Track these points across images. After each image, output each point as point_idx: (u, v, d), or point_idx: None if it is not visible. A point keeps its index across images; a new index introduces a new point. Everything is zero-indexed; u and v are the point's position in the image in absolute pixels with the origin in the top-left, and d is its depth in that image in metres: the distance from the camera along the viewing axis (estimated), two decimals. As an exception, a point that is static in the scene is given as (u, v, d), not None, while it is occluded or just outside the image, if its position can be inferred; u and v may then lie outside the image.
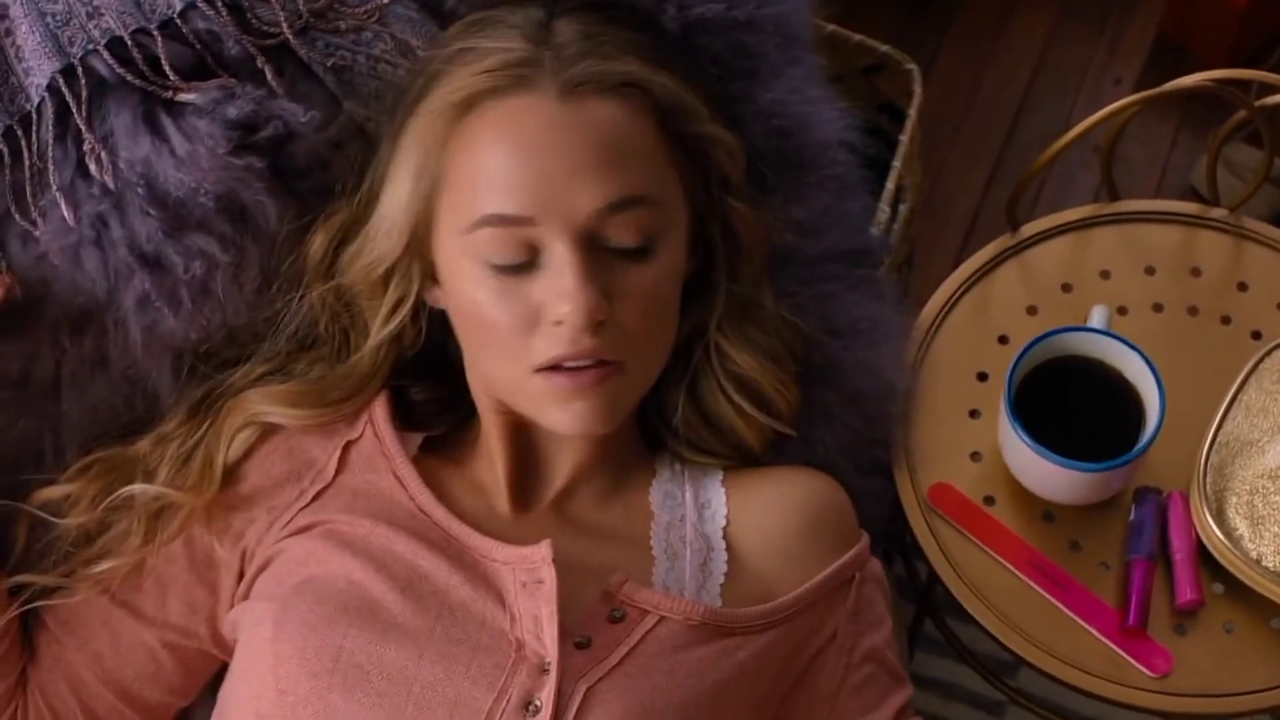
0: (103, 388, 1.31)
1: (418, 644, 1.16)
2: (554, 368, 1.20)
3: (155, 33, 1.28)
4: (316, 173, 1.29)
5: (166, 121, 1.25)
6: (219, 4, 1.29)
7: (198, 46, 1.29)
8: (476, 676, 1.15)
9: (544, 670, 1.15)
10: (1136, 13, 2.54)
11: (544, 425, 1.25)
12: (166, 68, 1.27)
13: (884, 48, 1.95)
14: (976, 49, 2.52)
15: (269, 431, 1.29)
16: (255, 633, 1.21)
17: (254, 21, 1.30)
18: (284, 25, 1.30)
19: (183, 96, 1.26)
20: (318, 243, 1.28)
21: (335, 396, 1.29)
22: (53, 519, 1.28)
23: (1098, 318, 1.48)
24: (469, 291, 1.21)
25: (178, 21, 1.28)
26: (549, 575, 1.18)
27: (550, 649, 1.16)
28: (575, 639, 1.17)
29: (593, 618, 1.19)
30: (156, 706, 1.32)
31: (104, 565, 1.27)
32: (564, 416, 1.22)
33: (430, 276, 1.26)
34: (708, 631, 1.21)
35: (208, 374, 1.32)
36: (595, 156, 1.18)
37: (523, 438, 1.29)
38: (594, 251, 1.19)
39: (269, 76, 1.29)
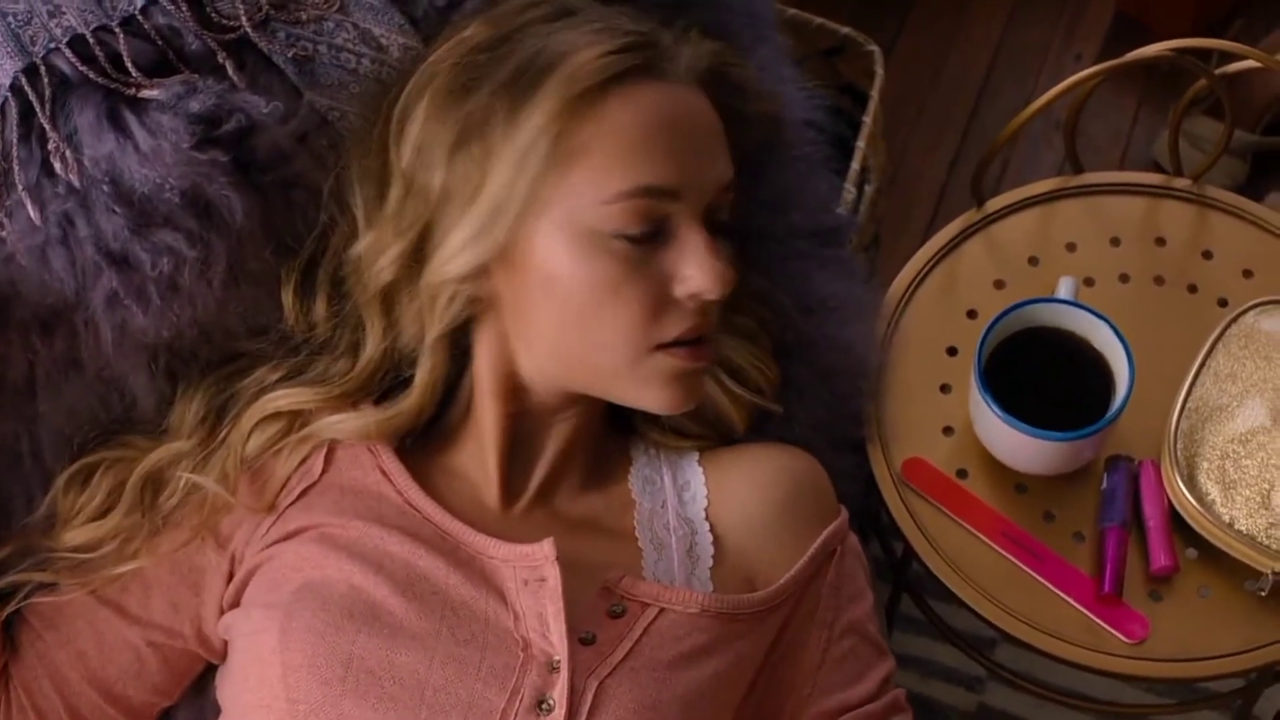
0: (78, 388, 1.30)
1: (427, 647, 1.15)
2: (674, 344, 1.22)
3: (117, 30, 1.27)
4: (279, 166, 1.28)
5: (130, 118, 1.24)
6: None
7: (159, 42, 1.28)
8: (488, 677, 1.14)
9: (553, 668, 1.15)
10: (1095, -10, 2.56)
11: (639, 406, 1.26)
12: (129, 64, 1.26)
13: (845, 30, 1.96)
14: (938, 30, 2.53)
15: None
16: (258, 641, 1.20)
17: (214, 16, 1.29)
18: (243, 18, 1.30)
19: (146, 93, 1.25)
20: (393, 250, 1.24)
21: (351, 394, 1.29)
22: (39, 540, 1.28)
23: (1065, 289, 1.49)
24: (596, 264, 1.20)
25: (139, 18, 1.28)
26: (552, 573, 1.18)
27: (559, 646, 1.15)
28: (580, 635, 1.17)
29: (593, 613, 1.19)
30: (140, 706, 1.31)
31: (119, 569, 1.27)
32: (669, 394, 1.24)
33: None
34: (706, 620, 1.21)
35: (195, 377, 1.31)
36: (718, 140, 1.25)
37: (518, 428, 1.28)
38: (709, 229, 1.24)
39: (230, 71, 1.28)
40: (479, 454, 1.29)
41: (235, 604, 1.26)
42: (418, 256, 1.24)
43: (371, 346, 1.28)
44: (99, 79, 1.26)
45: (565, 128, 1.19)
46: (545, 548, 1.19)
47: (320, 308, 1.30)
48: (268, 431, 1.28)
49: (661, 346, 1.22)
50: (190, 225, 1.25)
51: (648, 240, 1.20)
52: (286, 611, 1.19)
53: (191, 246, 1.25)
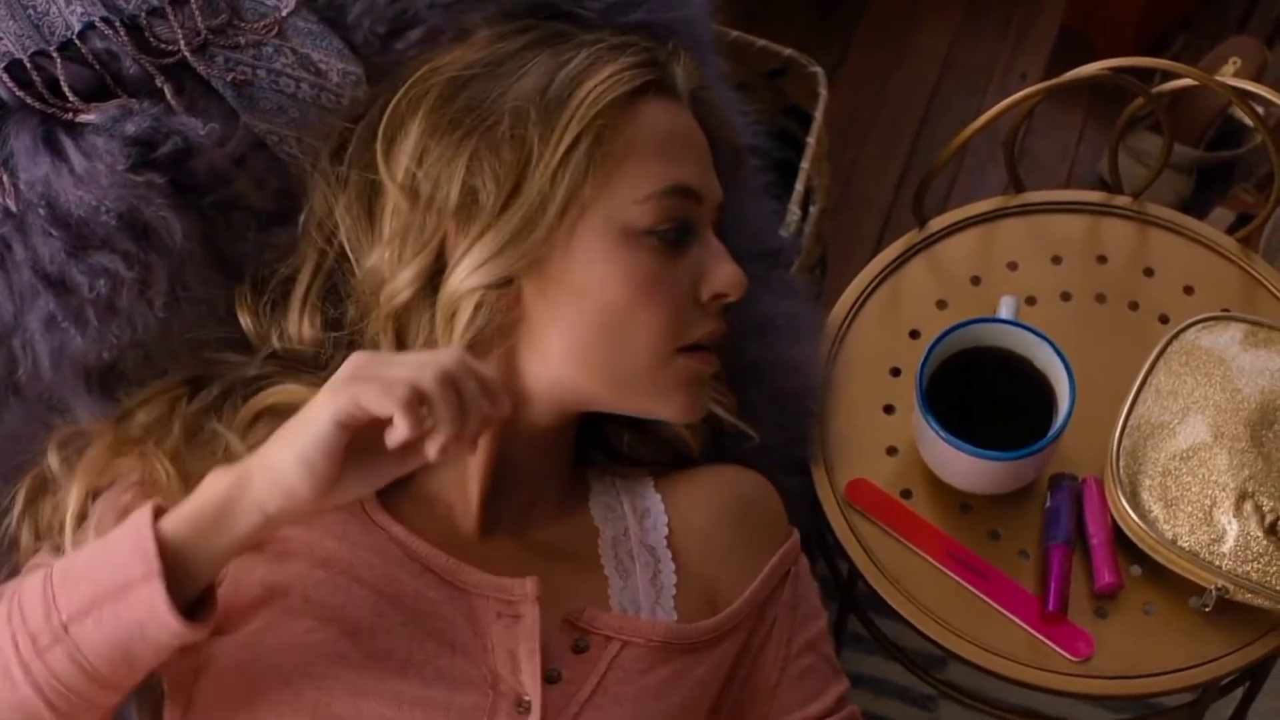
0: (18, 413, 1.29)
1: (395, 689, 1.13)
2: (695, 347, 1.24)
3: (55, 54, 1.27)
4: (218, 188, 1.28)
5: (66, 141, 1.24)
6: (117, 24, 1.28)
7: (97, 67, 1.28)
8: (456, 719, 1.13)
9: (521, 707, 1.14)
10: (1040, 8, 2.57)
11: (653, 415, 1.27)
12: (66, 89, 1.26)
13: (788, 51, 1.96)
14: (884, 50, 2.53)
15: None
16: (225, 683, 1.15)
17: (152, 40, 1.29)
18: (182, 43, 1.30)
19: (83, 117, 1.25)
20: (412, 268, 1.22)
21: None
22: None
23: (1006, 308, 1.50)
24: (633, 261, 1.22)
25: (77, 42, 1.27)
26: (531, 613, 1.17)
27: (531, 687, 1.15)
28: (546, 672, 1.16)
29: (558, 648, 1.18)
30: None
31: None
32: (687, 401, 1.26)
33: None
34: (670, 650, 1.21)
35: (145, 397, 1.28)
36: (710, 158, 1.31)
37: (505, 452, 1.26)
38: None
39: (168, 95, 1.28)
40: (459, 477, 1.26)
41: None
42: (435, 271, 1.23)
43: None
44: (36, 104, 1.25)
45: (603, 132, 1.21)
46: (528, 586, 1.18)
47: (306, 329, 1.28)
48: (269, 429, 1.21)
49: (682, 350, 1.24)
50: (128, 247, 1.25)
51: (675, 241, 1.24)
52: (252, 653, 1.15)
53: (129, 268, 1.25)
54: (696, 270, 1.25)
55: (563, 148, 1.20)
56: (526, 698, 1.14)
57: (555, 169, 1.20)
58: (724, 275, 1.25)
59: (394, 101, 1.26)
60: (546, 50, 1.26)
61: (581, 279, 1.21)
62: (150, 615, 1.05)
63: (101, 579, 1.06)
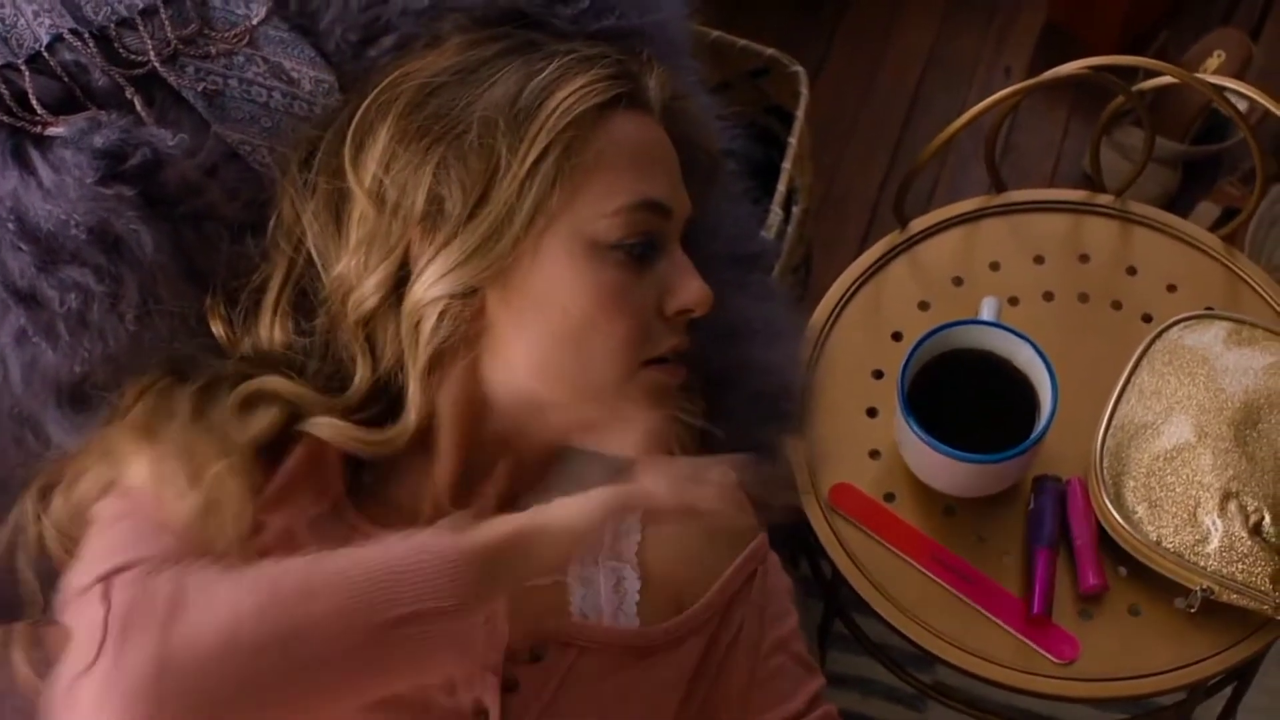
0: (-11, 429, 1.28)
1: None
2: (660, 360, 1.23)
3: (23, 67, 1.26)
4: (190, 198, 1.27)
5: (34, 154, 1.22)
6: (85, 36, 1.27)
7: (65, 79, 1.26)
8: None
9: (479, 717, 1.14)
10: (1024, 2, 2.56)
11: (611, 445, 1.24)
12: (34, 102, 1.24)
13: (769, 51, 1.95)
14: (867, 46, 2.52)
15: None
16: None
17: (121, 51, 1.28)
18: (151, 54, 1.28)
19: (51, 130, 1.24)
20: (377, 274, 1.22)
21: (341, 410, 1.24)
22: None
23: (987, 310, 1.49)
24: (600, 274, 1.20)
25: (45, 55, 1.26)
26: (499, 628, 1.16)
27: (489, 697, 1.14)
28: (504, 680, 1.15)
29: (514, 655, 1.17)
30: None
31: None
32: (648, 423, 1.23)
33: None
34: (629, 654, 1.20)
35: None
36: (679, 171, 1.29)
37: (471, 461, 1.25)
38: None
39: (138, 106, 1.27)
40: (424, 486, 1.25)
41: None
42: (400, 278, 1.22)
43: (360, 380, 1.23)
44: (4, 117, 1.24)
45: (572, 144, 1.20)
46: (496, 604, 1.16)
47: (278, 336, 1.26)
48: (266, 415, 1.21)
49: (651, 362, 1.23)
50: (98, 260, 1.23)
51: (641, 256, 1.22)
52: None
53: (100, 281, 1.24)
54: (662, 285, 1.24)
55: (531, 158, 1.19)
56: (484, 707, 1.14)
57: (523, 179, 1.19)
58: (689, 291, 1.24)
59: (363, 107, 1.25)
60: (517, 59, 1.24)
61: (546, 290, 1.20)
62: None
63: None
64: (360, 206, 1.22)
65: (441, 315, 1.20)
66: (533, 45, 1.27)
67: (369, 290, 1.22)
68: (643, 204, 1.22)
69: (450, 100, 1.22)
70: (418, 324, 1.21)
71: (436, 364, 1.23)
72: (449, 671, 1.11)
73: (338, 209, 1.24)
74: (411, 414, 1.22)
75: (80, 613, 1.05)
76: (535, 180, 1.19)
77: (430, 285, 1.20)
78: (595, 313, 1.20)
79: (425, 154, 1.21)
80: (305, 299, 1.28)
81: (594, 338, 1.21)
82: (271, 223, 1.29)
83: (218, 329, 1.28)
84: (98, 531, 1.14)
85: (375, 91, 1.25)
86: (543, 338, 1.21)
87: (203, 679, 1.00)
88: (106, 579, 1.05)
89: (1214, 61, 2.30)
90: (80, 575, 1.09)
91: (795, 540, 1.53)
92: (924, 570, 1.43)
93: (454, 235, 1.20)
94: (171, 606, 1.02)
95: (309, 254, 1.26)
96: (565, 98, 1.21)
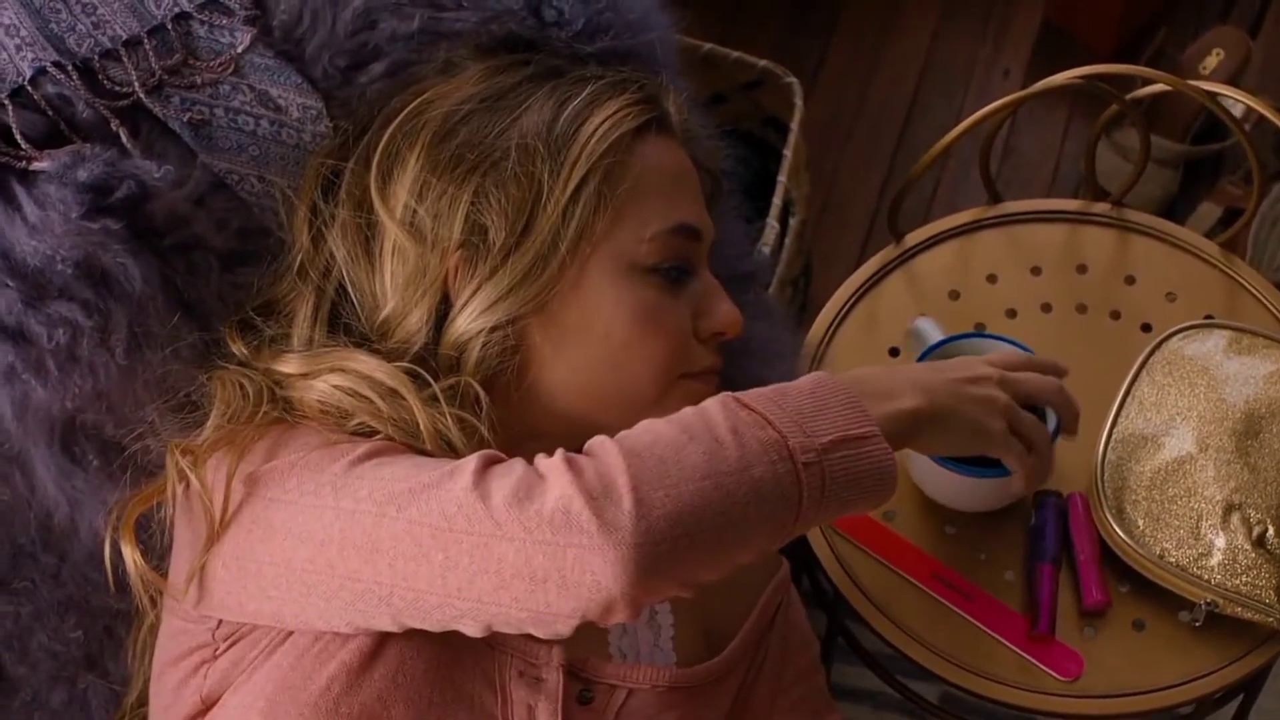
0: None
1: None
2: (698, 374, 1.25)
3: (6, 102, 1.25)
4: (178, 230, 1.26)
5: (19, 190, 1.22)
6: (69, 68, 1.27)
7: (50, 113, 1.26)
8: None
9: None
10: (1020, 3, 2.55)
11: None
12: (18, 137, 1.24)
13: (762, 63, 1.94)
14: (862, 53, 2.51)
15: None
16: (243, 690, 1.15)
17: (106, 83, 1.28)
18: (136, 84, 1.28)
19: (36, 165, 1.23)
20: (420, 310, 1.21)
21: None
22: None
23: (926, 330, 1.47)
24: (640, 295, 1.22)
25: (28, 88, 1.26)
26: (554, 678, 1.16)
27: None
28: None
29: (566, 700, 1.16)
30: None
31: None
32: None
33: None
34: (675, 695, 1.20)
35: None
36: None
37: None
38: None
39: (124, 138, 1.26)
40: None
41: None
42: (442, 312, 1.22)
43: (416, 415, 1.19)
44: (-12, 154, 1.23)
45: (612, 170, 1.21)
46: (554, 653, 1.16)
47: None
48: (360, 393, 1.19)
49: (689, 375, 1.25)
50: (86, 295, 1.23)
51: (676, 279, 1.24)
52: (269, 701, 1.12)
53: (88, 316, 1.23)
54: (695, 307, 1.26)
55: (573, 185, 1.20)
56: None
57: (566, 206, 1.20)
58: (722, 314, 1.27)
59: (386, 136, 1.24)
60: (545, 86, 1.25)
61: (587, 315, 1.21)
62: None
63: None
64: (393, 237, 1.22)
65: (486, 346, 1.20)
66: (557, 72, 1.28)
67: (413, 327, 1.21)
68: (679, 228, 1.24)
69: (481, 128, 1.22)
70: (457, 360, 1.21)
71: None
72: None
73: (367, 239, 1.24)
74: (458, 445, 1.19)
75: (543, 484, 1.06)
76: (579, 206, 1.20)
77: (476, 317, 1.20)
78: (637, 335, 1.22)
79: (461, 183, 1.21)
80: (332, 324, 1.26)
81: (636, 359, 1.22)
82: (293, 254, 1.28)
83: (239, 350, 1.25)
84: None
85: (399, 120, 1.24)
86: (587, 361, 1.22)
87: (691, 524, 1.05)
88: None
89: (1213, 60, 2.28)
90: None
91: (796, 554, 1.52)
92: (925, 588, 1.41)
93: (501, 264, 1.20)
94: (636, 469, 1.05)
95: (339, 284, 1.25)
96: (601, 123, 1.22)
